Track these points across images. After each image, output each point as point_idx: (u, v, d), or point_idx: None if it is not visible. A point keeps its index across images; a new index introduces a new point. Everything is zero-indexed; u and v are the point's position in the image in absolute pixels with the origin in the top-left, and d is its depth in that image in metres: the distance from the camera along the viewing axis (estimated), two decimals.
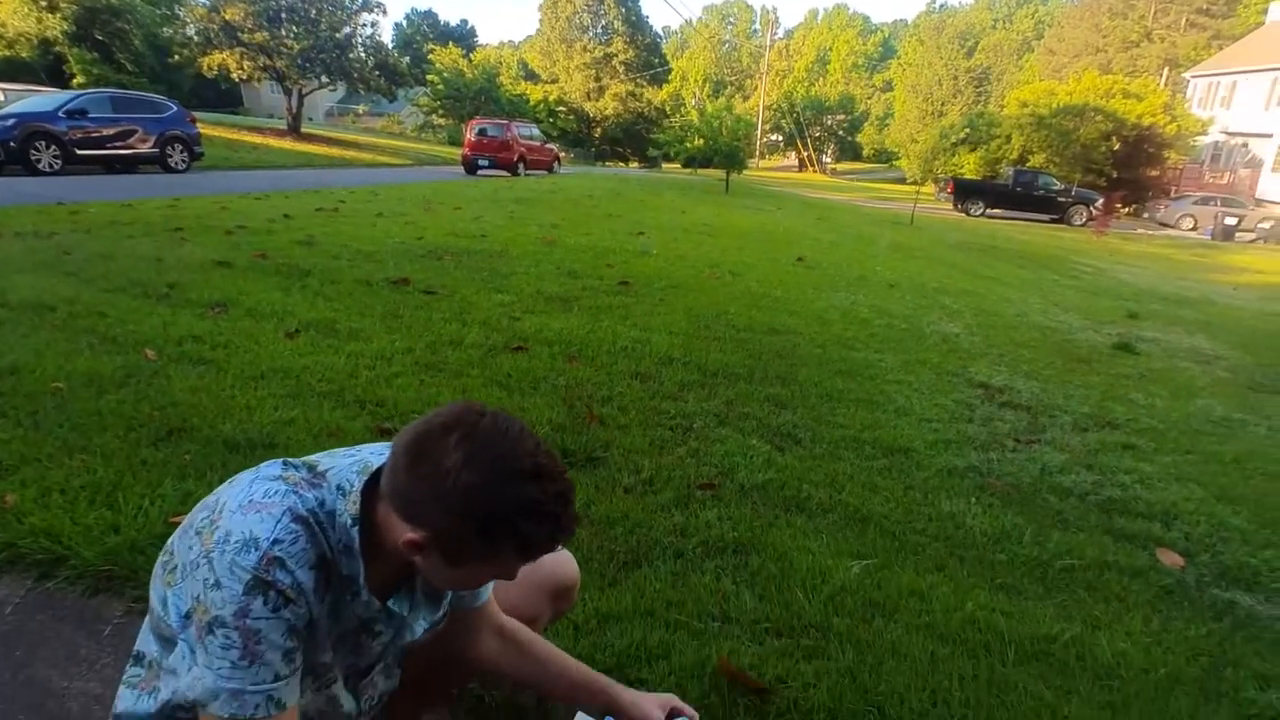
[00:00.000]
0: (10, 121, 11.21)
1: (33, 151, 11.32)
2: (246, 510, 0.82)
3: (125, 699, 0.96)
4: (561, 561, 1.29)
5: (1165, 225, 25.97)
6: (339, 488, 0.88)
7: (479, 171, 19.76)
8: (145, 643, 0.96)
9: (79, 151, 12.00)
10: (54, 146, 11.62)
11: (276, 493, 0.84)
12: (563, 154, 28.64)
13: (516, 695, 1.53)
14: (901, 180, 41.19)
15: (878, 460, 2.93)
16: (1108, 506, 2.76)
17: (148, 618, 0.95)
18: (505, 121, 21.92)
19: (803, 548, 2.20)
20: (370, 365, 3.36)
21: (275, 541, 0.80)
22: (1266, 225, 23.31)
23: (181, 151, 13.73)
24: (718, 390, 3.54)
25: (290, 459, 0.92)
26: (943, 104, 42.32)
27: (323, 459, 0.93)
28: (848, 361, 4.27)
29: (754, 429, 3.11)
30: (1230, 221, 22.63)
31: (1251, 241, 22.59)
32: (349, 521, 0.86)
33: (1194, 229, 24.71)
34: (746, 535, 2.24)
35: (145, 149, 13.10)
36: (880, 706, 1.59)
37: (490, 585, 1.12)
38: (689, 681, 1.60)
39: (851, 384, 3.85)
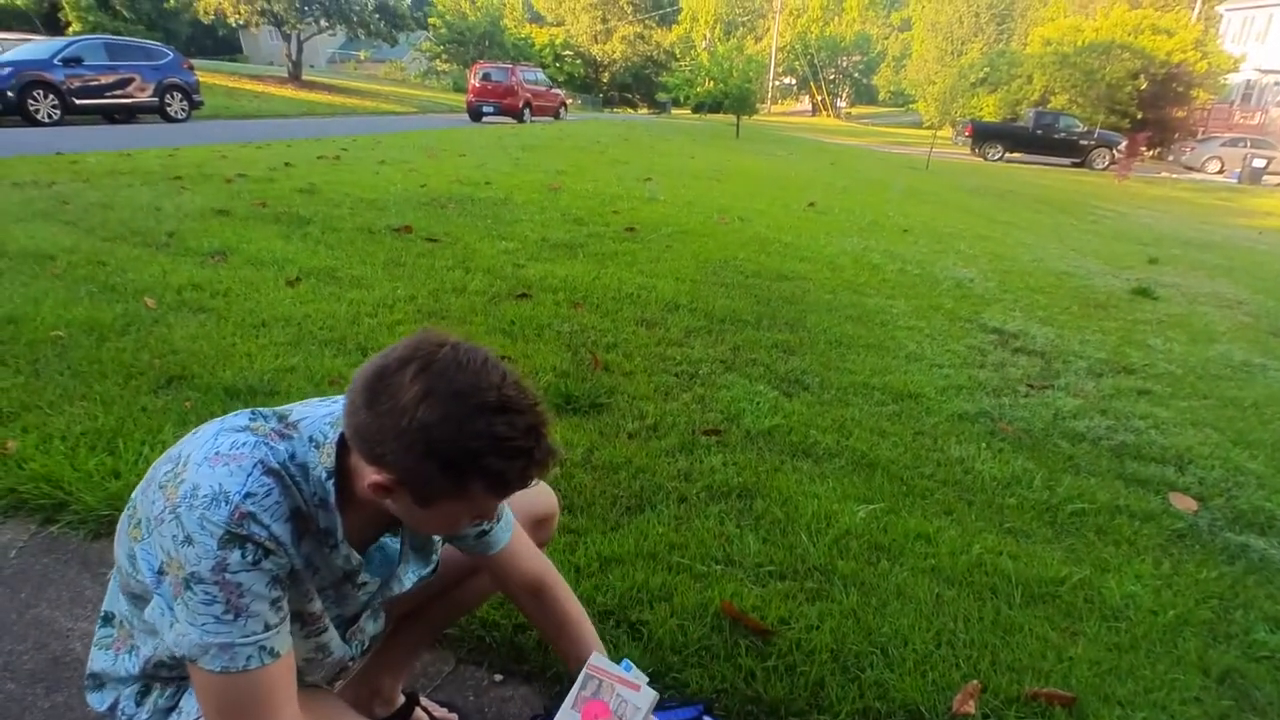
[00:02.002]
0: (6, 70, 11.00)
1: (31, 101, 11.14)
2: (214, 463, 0.77)
3: (101, 659, 0.94)
4: (539, 492, 1.26)
5: (1191, 168, 25.19)
6: (311, 439, 0.83)
7: (484, 118, 19.32)
8: (113, 602, 0.94)
9: (78, 101, 11.81)
10: (52, 96, 11.43)
11: (245, 444, 0.79)
12: (569, 100, 27.91)
13: (515, 636, 1.53)
14: (918, 125, 40.03)
15: (887, 406, 2.88)
16: (1121, 451, 2.71)
17: (115, 576, 0.92)
18: (510, 66, 21.33)
19: (808, 492, 2.17)
20: (372, 313, 3.32)
21: (248, 495, 0.76)
22: None
23: (181, 100, 13.49)
24: (725, 336, 3.48)
25: (260, 409, 0.87)
26: (963, 43, 40.73)
27: (295, 409, 0.88)
28: (858, 307, 4.18)
29: (761, 375, 3.07)
30: (1259, 164, 21.87)
31: None
32: (323, 475, 0.82)
33: (1220, 172, 23.96)
34: (751, 480, 2.22)
35: (144, 98, 12.88)
36: (884, 648, 1.58)
37: (507, 533, 1.08)
38: (691, 623, 1.59)
39: (862, 330, 3.78)
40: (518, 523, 1.11)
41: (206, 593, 0.74)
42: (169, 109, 13.27)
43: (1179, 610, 1.81)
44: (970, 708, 1.43)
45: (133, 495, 0.86)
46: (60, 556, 1.72)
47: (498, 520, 1.05)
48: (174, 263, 3.77)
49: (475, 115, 19.41)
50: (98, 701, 0.95)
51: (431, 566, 1.05)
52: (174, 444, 0.86)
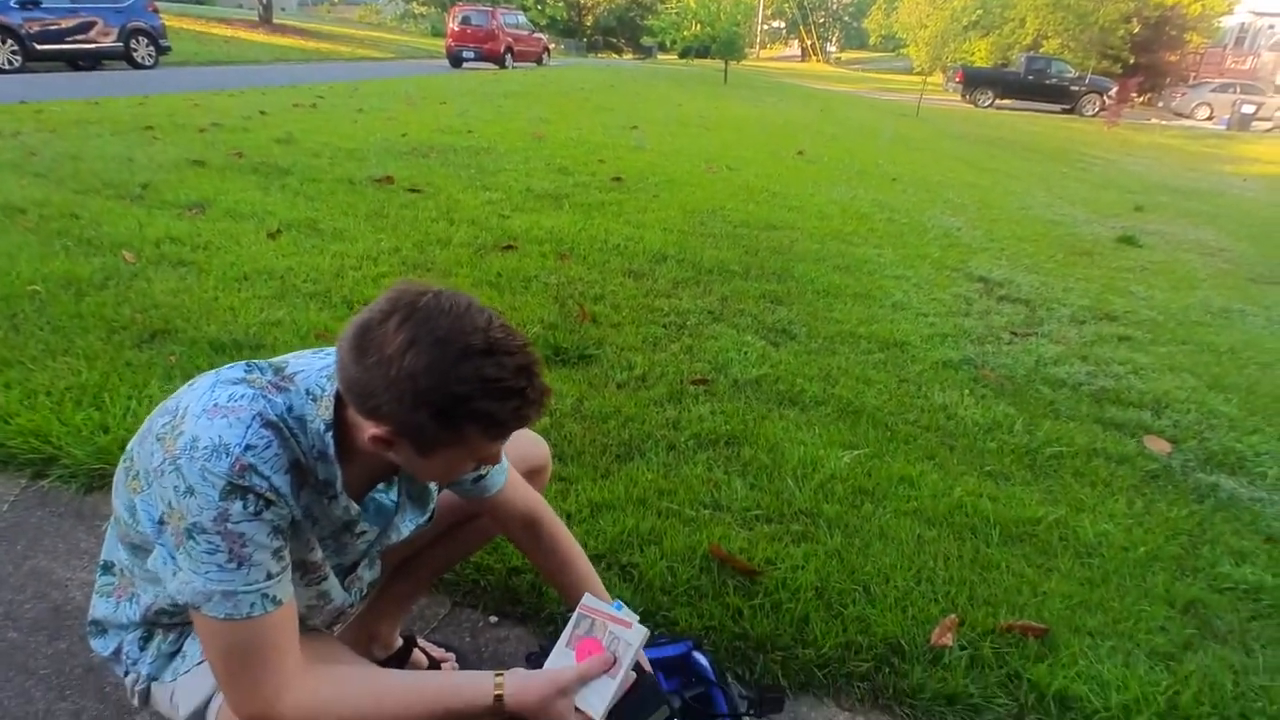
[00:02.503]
0: None
1: None
2: (212, 415, 0.77)
3: (102, 607, 0.96)
4: (531, 443, 1.28)
5: (1180, 115, 25.02)
6: (308, 392, 0.83)
7: (464, 64, 18.75)
8: (112, 552, 0.95)
9: (39, 47, 11.28)
10: (11, 41, 10.92)
11: (244, 397, 0.79)
12: (552, 45, 27.05)
13: (509, 579, 1.57)
14: (909, 70, 39.27)
15: (873, 354, 2.91)
16: (1100, 396, 2.76)
17: (112, 526, 0.93)
18: (490, 9, 20.56)
19: (794, 439, 2.21)
20: (356, 265, 3.28)
21: (248, 447, 0.76)
22: None
23: (147, 45, 12.93)
24: (712, 287, 3.48)
25: (254, 361, 0.87)
26: None
27: (291, 361, 0.88)
28: (846, 257, 4.18)
29: (749, 325, 3.08)
30: (1247, 110, 21.76)
31: (1268, 130, 21.82)
32: (322, 427, 0.82)
33: (1210, 118, 23.83)
34: (739, 428, 2.25)
35: (108, 43, 12.32)
36: (866, 585, 1.63)
37: (503, 475, 1.10)
38: (680, 565, 1.63)
39: (849, 279, 3.79)
40: (511, 465, 1.12)
41: (209, 542, 0.75)
42: (135, 55, 12.72)
43: (1149, 547, 1.88)
44: (948, 640, 1.49)
45: (128, 448, 0.86)
46: (54, 510, 1.72)
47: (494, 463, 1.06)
48: (150, 215, 3.68)
49: (455, 61, 18.82)
50: (101, 647, 0.97)
51: (428, 515, 1.07)
52: (167, 397, 0.86)
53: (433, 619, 1.52)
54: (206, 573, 0.76)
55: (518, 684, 0.89)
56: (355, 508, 0.91)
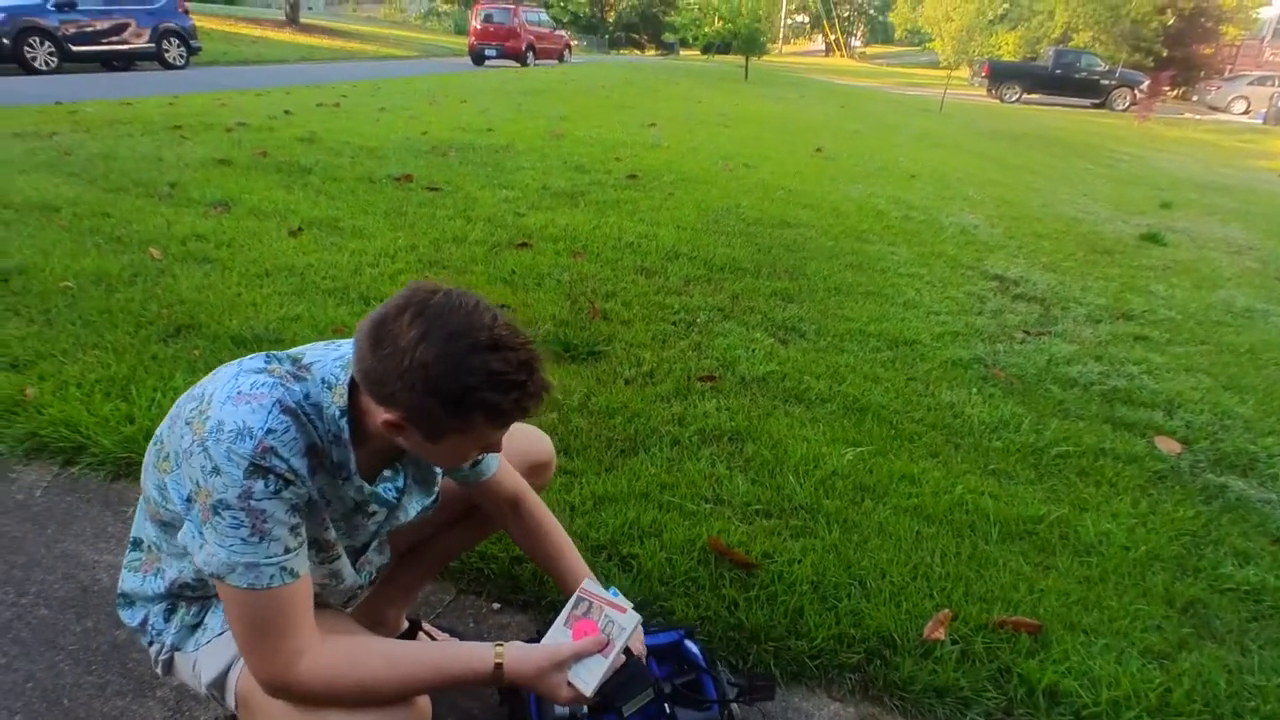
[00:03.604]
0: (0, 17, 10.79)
1: (28, 49, 10.96)
2: (236, 401, 0.84)
3: (130, 580, 1.04)
4: (536, 439, 1.34)
5: (1215, 109, 24.39)
6: (323, 381, 0.90)
7: (486, 62, 18.91)
8: (141, 529, 1.03)
9: (74, 48, 11.60)
10: (48, 43, 11.23)
11: (264, 385, 0.86)
12: (574, 42, 27.15)
13: (512, 568, 1.62)
14: (935, 64, 38.76)
15: (881, 352, 2.92)
16: (1111, 396, 2.75)
17: (142, 505, 1.00)
18: (512, 6, 20.67)
19: (798, 436, 2.23)
20: (374, 262, 3.36)
21: (269, 431, 0.83)
22: None
23: (179, 46, 13.22)
24: (723, 285, 3.50)
25: (273, 353, 0.94)
26: None
27: (307, 352, 0.95)
28: (859, 255, 4.18)
29: (758, 323, 3.10)
30: None
31: None
32: (337, 413, 0.89)
33: (1246, 112, 23.20)
34: (743, 424, 2.28)
35: (141, 44, 12.62)
36: (862, 580, 1.66)
37: (496, 460, 1.16)
38: (679, 556, 1.67)
39: (862, 277, 3.79)
40: (504, 456, 1.18)
41: (234, 518, 0.82)
42: (167, 55, 13.01)
43: (1150, 546, 1.87)
44: (940, 634, 1.51)
45: (158, 432, 0.94)
46: (83, 495, 1.81)
47: None
48: (177, 213, 3.80)
49: (477, 59, 18.98)
50: (129, 618, 1.04)
51: (433, 497, 1.13)
52: (191, 385, 0.93)
53: (438, 605, 1.58)
54: (230, 545, 0.82)
55: (517, 655, 0.95)
56: (367, 488, 0.97)
